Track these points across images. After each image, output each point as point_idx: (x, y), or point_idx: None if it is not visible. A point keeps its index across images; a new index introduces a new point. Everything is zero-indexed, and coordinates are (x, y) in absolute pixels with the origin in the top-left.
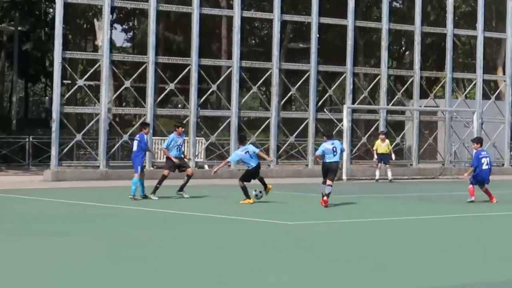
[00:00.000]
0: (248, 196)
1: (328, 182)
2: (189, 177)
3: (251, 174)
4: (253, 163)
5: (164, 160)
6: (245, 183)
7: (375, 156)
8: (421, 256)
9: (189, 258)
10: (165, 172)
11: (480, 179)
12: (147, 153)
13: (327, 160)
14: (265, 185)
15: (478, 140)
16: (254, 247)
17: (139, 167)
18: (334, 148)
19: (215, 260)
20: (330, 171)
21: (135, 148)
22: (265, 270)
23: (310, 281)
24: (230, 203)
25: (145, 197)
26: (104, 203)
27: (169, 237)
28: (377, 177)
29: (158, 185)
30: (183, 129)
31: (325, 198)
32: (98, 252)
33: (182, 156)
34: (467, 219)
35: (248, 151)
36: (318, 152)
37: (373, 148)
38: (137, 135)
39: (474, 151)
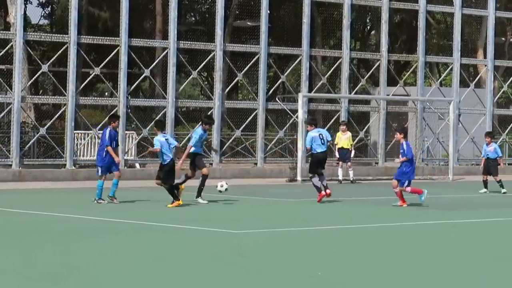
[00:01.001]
0: (176, 198)
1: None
2: (205, 177)
3: (168, 171)
4: (167, 158)
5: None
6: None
7: (336, 154)
8: (371, 271)
9: (112, 276)
10: (204, 171)
11: None
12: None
13: (318, 150)
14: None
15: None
16: (192, 261)
17: (99, 169)
18: (321, 136)
19: (144, 277)
20: (322, 162)
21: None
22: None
23: None
24: (166, 208)
25: (112, 198)
26: (17, 208)
27: (97, 251)
28: (340, 177)
29: (202, 187)
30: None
31: (328, 191)
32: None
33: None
34: (436, 227)
35: (168, 139)
36: (308, 144)
37: (334, 142)
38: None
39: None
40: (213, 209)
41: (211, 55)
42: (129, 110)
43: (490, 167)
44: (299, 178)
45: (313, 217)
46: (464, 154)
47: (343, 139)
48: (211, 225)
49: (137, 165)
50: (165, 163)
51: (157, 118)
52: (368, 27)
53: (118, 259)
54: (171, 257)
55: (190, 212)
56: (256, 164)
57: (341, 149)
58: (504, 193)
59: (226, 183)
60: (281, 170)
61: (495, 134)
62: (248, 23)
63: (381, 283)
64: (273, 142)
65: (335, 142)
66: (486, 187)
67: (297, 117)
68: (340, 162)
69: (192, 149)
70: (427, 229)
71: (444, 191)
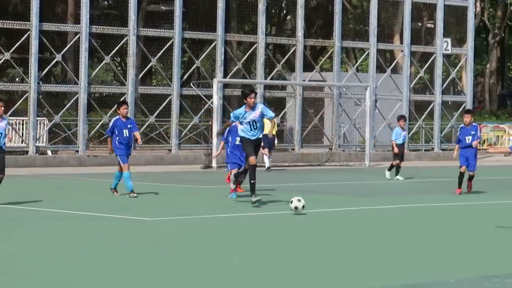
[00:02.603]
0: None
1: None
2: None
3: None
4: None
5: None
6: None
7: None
8: (286, 258)
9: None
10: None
11: None
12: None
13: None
14: None
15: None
16: (104, 249)
17: (118, 158)
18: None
19: (56, 266)
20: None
21: None
22: (117, 273)
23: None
24: (80, 195)
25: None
26: None
27: (7, 240)
28: (267, 164)
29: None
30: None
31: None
32: None
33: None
34: (338, 214)
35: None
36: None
37: None
38: None
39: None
40: (125, 197)
41: (124, 40)
42: (41, 96)
43: (403, 151)
44: (214, 164)
45: (228, 204)
46: (381, 140)
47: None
48: (123, 213)
49: (49, 152)
50: None
51: None
52: (284, 12)
53: (29, 248)
54: (82, 245)
55: (102, 201)
56: (170, 150)
57: (265, 135)
58: (397, 180)
59: (299, 200)
60: (196, 157)
61: (411, 120)
62: (162, 7)
63: (296, 269)
64: (187, 128)
65: None
66: (399, 173)
67: (212, 103)
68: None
69: None
70: (346, 215)
71: (361, 177)
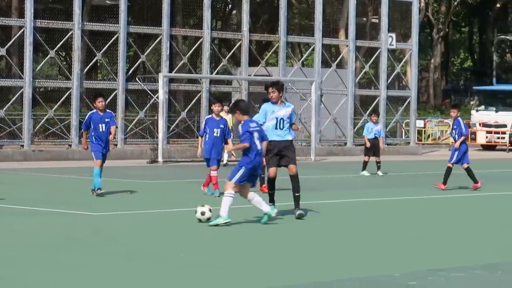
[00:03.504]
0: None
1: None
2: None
3: None
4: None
5: None
6: None
7: None
8: (233, 251)
9: None
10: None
11: None
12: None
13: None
14: None
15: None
16: (51, 244)
17: (92, 154)
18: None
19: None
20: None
21: None
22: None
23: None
24: (25, 190)
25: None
26: None
27: None
28: (225, 160)
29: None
30: None
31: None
32: None
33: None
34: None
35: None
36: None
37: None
38: None
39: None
40: (70, 191)
41: (69, 34)
42: None
43: (376, 147)
44: (160, 159)
45: (174, 199)
46: (326, 134)
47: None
48: (69, 207)
49: None
50: None
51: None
52: (229, 7)
53: None
54: (27, 240)
55: (47, 195)
56: (116, 145)
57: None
58: (381, 175)
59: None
60: (142, 152)
61: (356, 114)
62: (107, 1)
63: (244, 262)
64: (133, 123)
65: None
66: (366, 168)
67: (157, 97)
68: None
69: None
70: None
71: (307, 171)
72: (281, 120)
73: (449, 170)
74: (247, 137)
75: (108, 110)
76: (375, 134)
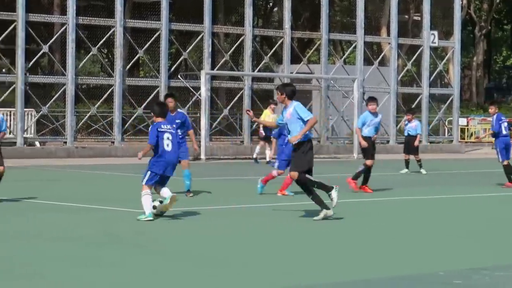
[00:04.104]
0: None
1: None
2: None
3: None
4: None
5: None
6: None
7: (261, 131)
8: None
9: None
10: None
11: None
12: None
13: None
14: None
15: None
16: (91, 241)
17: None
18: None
19: (41, 258)
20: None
21: None
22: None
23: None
24: (68, 187)
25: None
26: None
27: None
28: (255, 155)
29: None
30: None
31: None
32: None
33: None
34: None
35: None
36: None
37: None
38: None
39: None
40: (113, 188)
41: (111, 31)
42: (28, 88)
43: (411, 145)
44: (203, 156)
45: (217, 197)
46: None
47: (272, 117)
48: (110, 204)
49: (37, 143)
50: None
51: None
52: (271, 4)
53: (16, 239)
54: (69, 236)
55: (89, 192)
56: None
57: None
58: (424, 173)
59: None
60: None
61: (399, 112)
62: None
63: (283, 259)
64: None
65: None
66: (407, 167)
67: (199, 94)
68: (263, 142)
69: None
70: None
71: (349, 169)
72: (286, 125)
73: (507, 167)
74: None
75: (179, 110)
76: (408, 131)
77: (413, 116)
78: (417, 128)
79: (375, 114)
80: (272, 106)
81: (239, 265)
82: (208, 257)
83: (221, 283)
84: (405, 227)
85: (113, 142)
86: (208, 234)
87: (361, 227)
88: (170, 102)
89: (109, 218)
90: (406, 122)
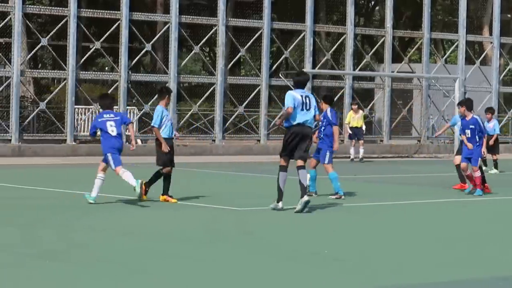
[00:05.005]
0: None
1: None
2: None
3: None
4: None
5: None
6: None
7: (349, 131)
8: (402, 250)
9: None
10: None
11: None
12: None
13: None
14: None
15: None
16: (196, 239)
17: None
18: (307, 99)
19: (148, 256)
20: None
21: None
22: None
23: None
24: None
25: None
26: (16, 184)
27: (98, 228)
28: (352, 155)
29: None
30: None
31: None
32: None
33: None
34: (449, 205)
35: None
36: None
37: (345, 122)
38: None
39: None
40: (212, 186)
41: (213, 30)
42: (130, 85)
43: (489, 144)
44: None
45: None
46: None
47: (356, 118)
48: (212, 201)
49: (139, 141)
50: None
51: None
52: (373, 3)
53: (120, 236)
54: (175, 235)
55: (191, 189)
56: (259, 141)
57: (354, 128)
58: (494, 173)
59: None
60: None
61: (500, 112)
62: None
63: (393, 260)
64: (276, 119)
65: (347, 122)
66: (496, 167)
67: None
68: (353, 141)
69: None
70: (436, 207)
71: (450, 169)
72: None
73: None
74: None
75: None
76: (487, 131)
77: (492, 115)
78: (495, 128)
79: (489, 121)
80: (355, 107)
81: (349, 263)
82: (319, 256)
83: (324, 281)
84: (476, 228)
85: (214, 140)
86: (309, 230)
87: (435, 227)
88: None
89: (210, 215)
90: (486, 121)
